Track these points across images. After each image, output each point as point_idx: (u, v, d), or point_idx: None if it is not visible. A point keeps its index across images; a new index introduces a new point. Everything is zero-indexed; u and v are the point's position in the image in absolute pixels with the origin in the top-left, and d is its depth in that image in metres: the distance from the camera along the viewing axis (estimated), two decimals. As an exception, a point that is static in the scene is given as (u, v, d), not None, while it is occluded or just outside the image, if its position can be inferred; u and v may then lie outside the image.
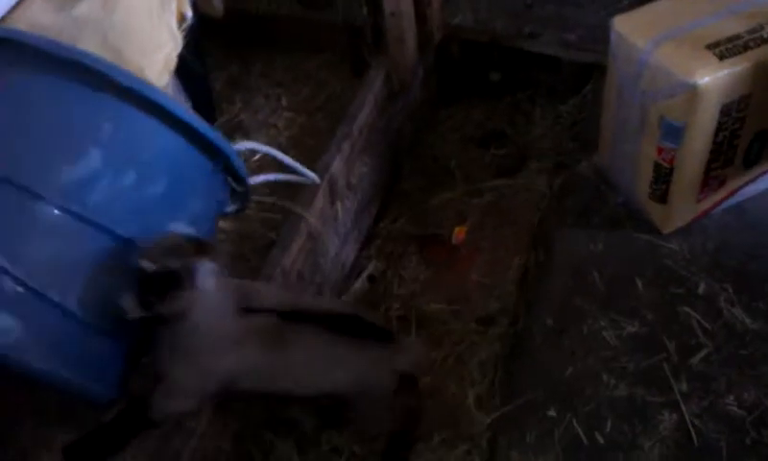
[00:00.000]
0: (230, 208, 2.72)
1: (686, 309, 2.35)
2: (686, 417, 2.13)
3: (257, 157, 2.95)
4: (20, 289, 2.09)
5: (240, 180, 2.54)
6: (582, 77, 3.24)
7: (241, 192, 2.56)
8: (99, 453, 2.17)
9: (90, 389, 2.30)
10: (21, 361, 2.13)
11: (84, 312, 2.19)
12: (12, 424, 2.62)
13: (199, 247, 1.95)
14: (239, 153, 2.48)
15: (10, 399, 2.63)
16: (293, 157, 2.67)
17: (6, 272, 2.08)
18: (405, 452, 2.32)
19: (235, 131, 3.23)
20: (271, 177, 2.71)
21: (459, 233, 2.98)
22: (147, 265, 1.90)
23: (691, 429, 2.10)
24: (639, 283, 2.43)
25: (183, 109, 2.33)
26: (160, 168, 2.32)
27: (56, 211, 2.14)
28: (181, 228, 2.07)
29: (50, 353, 2.17)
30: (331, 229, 2.76)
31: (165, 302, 1.90)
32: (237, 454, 2.35)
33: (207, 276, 1.89)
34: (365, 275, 2.91)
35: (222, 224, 2.86)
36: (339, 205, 2.78)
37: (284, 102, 3.35)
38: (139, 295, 1.93)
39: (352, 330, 2.09)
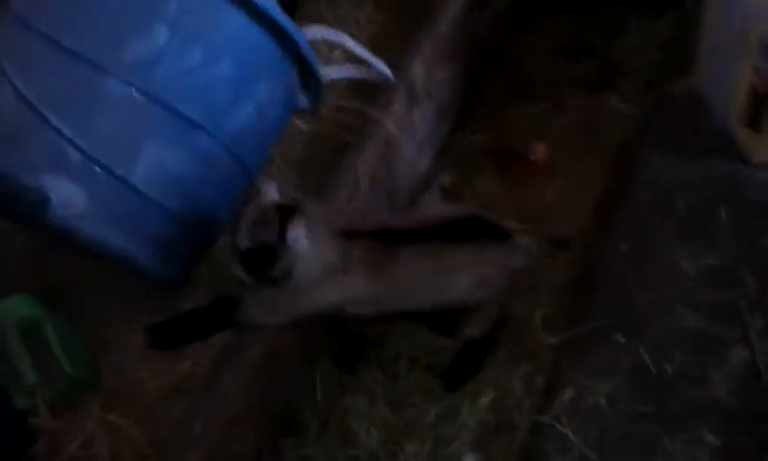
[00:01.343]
0: (303, 104, 2.78)
1: (771, 244, 2.33)
2: (757, 355, 2.14)
3: (338, 57, 2.99)
4: (86, 161, 2.26)
5: (311, 71, 2.58)
6: (681, -12, 3.12)
7: (313, 86, 2.61)
8: (180, 338, 2.29)
9: (154, 267, 2.47)
10: (85, 232, 2.30)
11: (148, 188, 2.34)
12: (90, 304, 2.83)
13: (285, 211, 2.02)
14: (311, 42, 2.51)
15: (87, 279, 2.83)
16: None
17: (72, 144, 2.25)
18: (480, 360, 2.40)
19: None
20: (343, 71, 2.74)
21: (538, 150, 2.96)
22: (242, 243, 1.99)
23: (762, 368, 2.12)
24: (723, 214, 2.41)
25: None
26: (226, 49, 2.40)
27: (121, 86, 2.27)
28: (270, 189, 2.14)
29: (114, 226, 2.33)
30: (407, 135, 2.78)
31: (267, 271, 2.00)
32: (299, 353, 2.49)
33: (298, 240, 1.97)
34: (437, 185, 2.94)
35: (297, 123, 2.94)
36: (416, 111, 2.79)
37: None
38: (244, 268, 2.03)
39: (468, 234, 2.12)
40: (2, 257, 2.96)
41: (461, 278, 2.13)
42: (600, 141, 2.94)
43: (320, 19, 3.25)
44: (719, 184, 2.49)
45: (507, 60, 3.27)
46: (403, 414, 2.40)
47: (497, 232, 2.19)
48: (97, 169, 2.28)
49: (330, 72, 2.87)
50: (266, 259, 1.99)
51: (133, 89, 2.28)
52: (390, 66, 2.85)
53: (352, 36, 3.13)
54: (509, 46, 3.30)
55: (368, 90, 2.92)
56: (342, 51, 3.04)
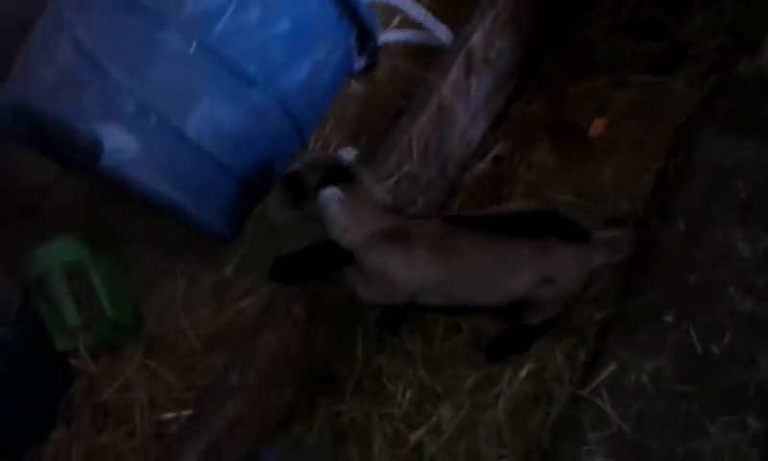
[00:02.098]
0: (360, 65, 2.80)
1: (830, 229, 2.29)
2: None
3: (396, 22, 3.00)
4: (141, 111, 2.33)
5: (369, 33, 2.60)
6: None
7: (371, 49, 2.62)
8: (301, 274, 2.33)
9: (204, 219, 2.53)
10: (136, 179, 2.37)
11: (201, 140, 2.40)
12: (136, 252, 2.90)
13: (338, 173, 2.11)
14: (370, 4, 2.53)
15: (134, 228, 2.90)
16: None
17: (129, 92, 2.31)
18: (531, 343, 2.40)
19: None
20: (402, 35, 2.74)
21: (597, 125, 2.94)
22: (289, 167, 2.17)
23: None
24: (785, 198, 2.38)
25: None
26: (286, 8, 2.45)
27: (180, 39, 2.33)
28: (347, 151, 2.21)
29: (165, 175, 2.40)
30: (463, 103, 2.78)
31: (291, 203, 2.17)
32: (340, 312, 2.52)
33: (328, 199, 2.07)
34: (491, 155, 2.94)
35: (353, 85, 2.97)
36: (474, 79, 2.79)
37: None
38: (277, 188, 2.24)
39: (540, 230, 2.10)
40: (53, 202, 3.06)
41: (522, 273, 2.10)
42: (660, 120, 2.89)
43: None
44: (781, 167, 2.45)
45: (568, 34, 3.23)
46: (440, 378, 2.43)
47: (575, 231, 2.13)
48: (151, 118, 2.34)
49: (389, 36, 2.89)
50: (294, 192, 2.13)
51: (192, 42, 2.34)
52: (449, 33, 2.86)
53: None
54: (571, 19, 3.26)
55: (425, 55, 2.93)
56: (401, 18, 3.06)
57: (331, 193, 2.05)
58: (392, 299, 2.20)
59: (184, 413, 2.51)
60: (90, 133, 2.30)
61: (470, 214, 2.19)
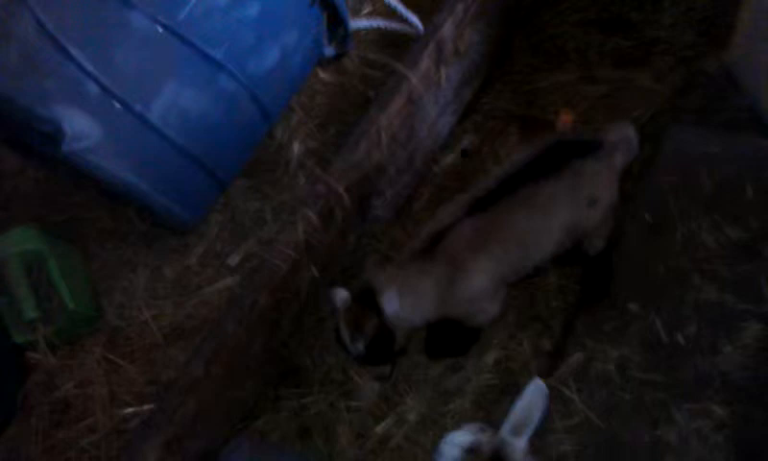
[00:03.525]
0: (330, 52, 2.81)
1: (795, 223, 2.35)
2: (773, 333, 2.17)
3: (366, 10, 3.02)
4: (104, 95, 2.31)
5: (340, 19, 2.61)
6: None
7: (341, 35, 2.63)
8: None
9: (168, 207, 2.52)
10: (99, 165, 2.35)
11: (165, 126, 2.39)
12: (97, 242, 2.88)
13: (365, 296, 2.16)
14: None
15: (96, 217, 2.88)
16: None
17: (92, 77, 2.29)
18: (610, 266, 2.41)
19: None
20: (373, 22, 2.76)
21: (565, 118, 2.97)
22: (357, 351, 2.19)
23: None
24: (749, 190, 2.42)
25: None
26: (254, -9, 2.42)
27: (146, 21, 2.32)
28: (339, 293, 2.23)
29: (129, 162, 2.38)
30: (432, 94, 2.81)
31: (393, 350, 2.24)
32: (305, 304, 2.53)
33: (392, 301, 2.13)
34: (459, 147, 2.97)
35: (322, 75, 2.98)
36: (444, 70, 2.81)
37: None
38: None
39: (559, 162, 2.15)
40: (12, 191, 3.03)
41: (566, 207, 2.17)
42: (627, 115, 2.94)
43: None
44: (746, 161, 2.50)
45: (539, 28, 3.28)
46: (407, 368, 2.45)
47: (587, 146, 2.21)
48: (115, 104, 2.33)
49: (360, 23, 2.91)
50: (385, 344, 2.17)
51: (158, 25, 2.33)
52: (419, 23, 2.89)
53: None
54: (542, 13, 3.31)
55: (394, 46, 2.96)
56: (372, 8, 3.08)
57: (389, 297, 2.11)
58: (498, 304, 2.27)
59: (146, 407, 2.49)
60: (52, 118, 2.28)
61: (486, 190, 2.19)
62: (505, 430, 1.78)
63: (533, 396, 1.79)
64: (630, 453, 2.08)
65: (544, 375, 2.27)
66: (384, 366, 2.35)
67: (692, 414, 2.08)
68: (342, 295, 2.17)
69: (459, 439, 1.87)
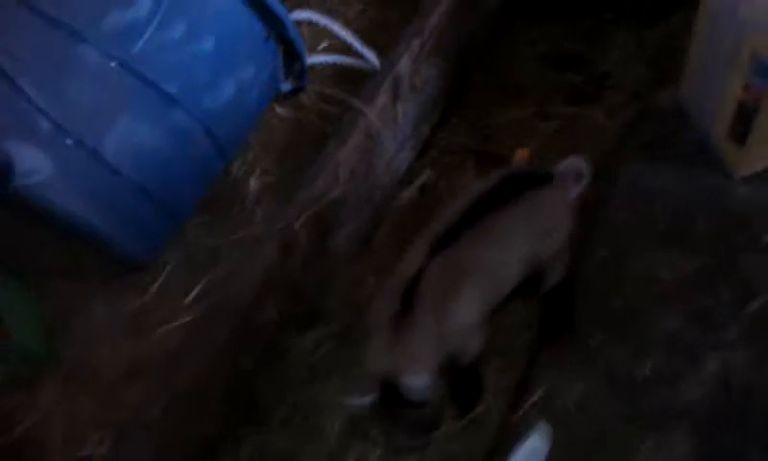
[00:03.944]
0: (287, 87, 2.82)
1: (747, 257, 2.40)
2: (732, 364, 2.21)
3: (323, 46, 3.04)
4: (55, 130, 2.26)
5: (297, 54, 2.61)
6: (672, 0, 3.22)
7: (297, 69, 2.64)
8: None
9: (123, 243, 2.48)
10: (51, 202, 2.30)
11: (118, 162, 2.35)
12: (50, 279, 2.81)
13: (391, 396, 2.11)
14: (297, 23, 2.55)
15: (50, 254, 2.82)
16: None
17: (43, 112, 2.24)
18: (571, 299, 2.41)
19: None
20: (330, 58, 2.78)
21: (521, 155, 3.01)
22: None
23: (735, 377, 2.18)
24: (703, 225, 2.49)
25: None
26: (210, 26, 2.43)
27: (99, 56, 2.28)
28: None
29: (81, 198, 2.33)
30: (390, 130, 2.83)
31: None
32: (266, 339, 2.51)
33: (416, 379, 2.08)
34: (417, 183, 2.99)
35: (278, 110, 2.98)
36: (401, 106, 2.84)
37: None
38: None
39: (512, 194, 2.16)
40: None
41: (523, 240, 2.17)
42: (583, 150, 2.97)
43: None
44: (699, 195, 2.57)
45: (494, 64, 3.34)
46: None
47: (539, 178, 2.23)
48: (66, 139, 2.28)
49: (316, 58, 2.92)
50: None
51: (111, 60, 2.29)
52: (376, 59, 2.91)
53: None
54: (497, 49, 3.37)
55: (351, 82, 2.97)
56: (328, 43, 3.10)
57: (412, 380, 2.07)
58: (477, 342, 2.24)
59: (104, 447, 2.43)
60: (1, 152, 2.22)
61: (445, 226, 2.17)
62: None
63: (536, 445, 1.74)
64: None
65: (507, 410, 2.29)
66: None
67: (655, 448, 2.11)
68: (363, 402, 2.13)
69: None
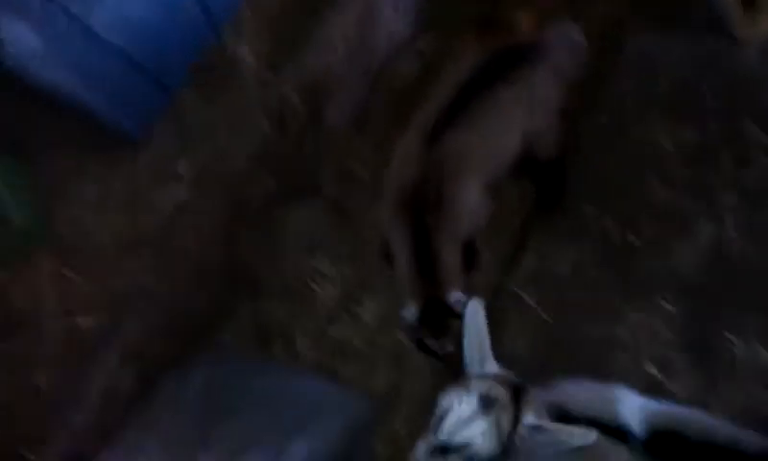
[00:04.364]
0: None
1: (750, 124, 2.35)
2: (725, 231, 2.19)
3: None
4: (47, 6, 2.24)
5: None
6: None
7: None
8: None
9: (114, 116, 2.50)
10: (38, 74, 2.32)
11: (107, 33, 2.35)
12: (43, 156, 2.81)
13: None
14: None
15: (42, 130, 2.81)
16: None
17: (34, -13, 2.21)
18: (564, 176, 2.38)
19: None
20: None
21: (523, 21, 2.94)
22: None
23: (728, 244, 2.18)
24: (708, 92, 2.43)
25: None
26: None
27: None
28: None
29: (69, 70, 2.34)
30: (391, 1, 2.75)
31: None
32: (262, 214, 2.52)
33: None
34: (415, 49, 2.91)
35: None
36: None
37: None
38: None
39: (501, 70, 2.12)
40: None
41: (520, 111, 2.14)
42: (592, 17, 2.87)
43: None
44: (707, 63, 2.49)
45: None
46: (365, 273, 2.45)
47: (529, 50, 2.18)
48: (58, 15, 2.26)
49: None
50: None
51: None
52: None
53: None
54: None
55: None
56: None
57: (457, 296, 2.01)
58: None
59: (101, 319, 2.48)
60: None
61: (438, 108, 2.13)
62: (474, 371, 1.65)
63: (472, 320, 1.68)
64: (582, 350, 2.12)
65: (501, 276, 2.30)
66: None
67: (644, 311, 2.12)
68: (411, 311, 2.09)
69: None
